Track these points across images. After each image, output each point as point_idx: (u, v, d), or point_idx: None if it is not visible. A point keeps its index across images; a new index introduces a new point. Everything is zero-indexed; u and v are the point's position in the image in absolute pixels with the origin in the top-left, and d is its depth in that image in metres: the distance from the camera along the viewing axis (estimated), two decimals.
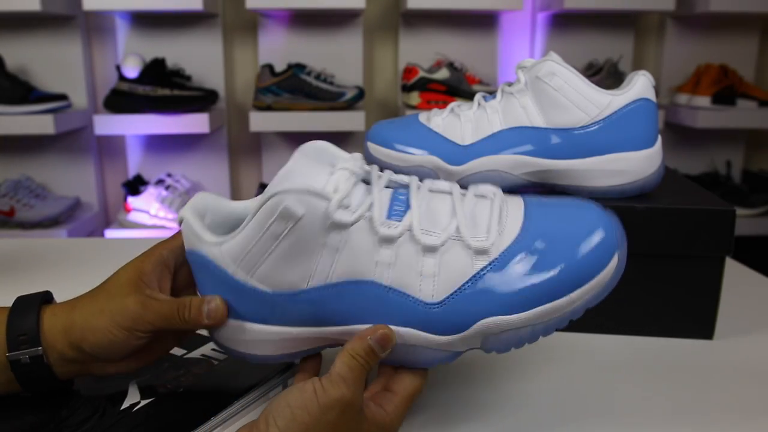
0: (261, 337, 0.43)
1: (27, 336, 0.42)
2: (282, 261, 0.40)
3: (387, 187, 0.42)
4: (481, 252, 0.39)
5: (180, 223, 0.43)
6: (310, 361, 0.45)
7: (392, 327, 0.40)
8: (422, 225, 0.40)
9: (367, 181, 0.42)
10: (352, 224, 0.39)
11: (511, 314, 0.39)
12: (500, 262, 0.39)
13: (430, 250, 0.40)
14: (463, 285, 0.39)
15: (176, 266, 0.46)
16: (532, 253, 0.39)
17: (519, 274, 0.39)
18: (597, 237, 0.40)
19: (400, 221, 0.40)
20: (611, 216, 0.41)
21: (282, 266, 0.40)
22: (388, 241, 0.39)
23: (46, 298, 0.45)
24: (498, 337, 0.40)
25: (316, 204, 0.38)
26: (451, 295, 0.39)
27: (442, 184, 0.43)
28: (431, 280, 0.39)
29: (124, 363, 0.45)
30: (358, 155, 0.42)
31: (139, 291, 0.42)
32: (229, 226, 0.45)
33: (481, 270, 0.39)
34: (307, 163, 0.40)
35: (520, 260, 0.39)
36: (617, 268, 0.40)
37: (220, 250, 0.41)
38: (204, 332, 0.56)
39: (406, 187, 0.43)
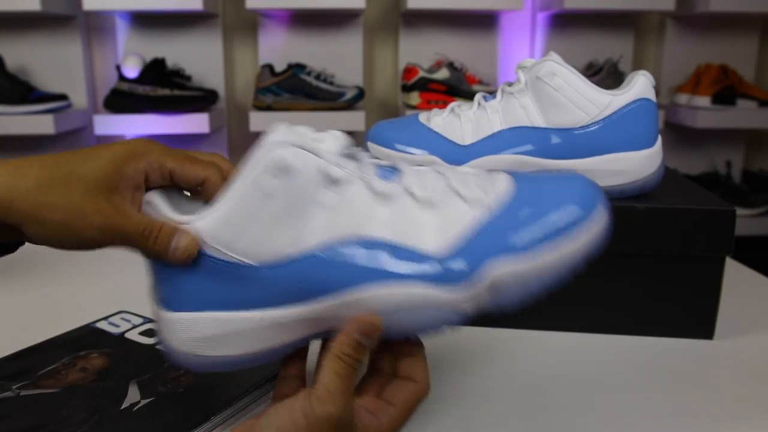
0: (239, 327, 0.37)
1: None
2: (271, 224, 0.36)
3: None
4: (478, 202, 0.38)
5: (141, 208, 0.38)
6: (292, 366, 0.41)
7: (395, 285, 0.36)
8: (417, 183, 0.39)
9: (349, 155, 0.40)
10: (348, 181, 0.37)
11: (519, 255, 0.37)
12: (500, 211, 0.38)
13: (429, 203, 0.38)
14: (467, 234, 0.37)
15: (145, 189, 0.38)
16: (527, 200, 0.38)
17: (520, 217, 0.37)
18: (581, 182, 0.39)
19: (394, 181, 0.38)
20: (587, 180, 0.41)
21: (271, 231, 0.36)
22: (386, 197, 0.37)
23: None
24: (508, 286, 0.37)
25: (310, 158, 0.36)
26: (456, 245, 0.37)
27: (420, 166, 0.42)
28: (433, 231, 0.37)
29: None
30: (336, 132, 0.39)
31: (109, 195, 0.35)
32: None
33: (483, 217, 0.38)
34: (290, 129, 0.38)
35: (518, 206, 0.38)
36: (605, 221, 0.39)
37: (194, 228, 0.36)
38: None
39: (388, 164, 0.41)
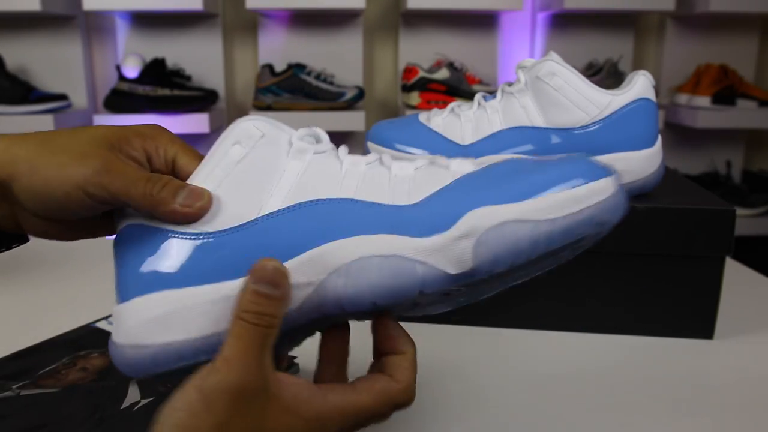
0: (188, 302, 0.33)
1: None
2: (235, 189, 0.34)
3: None
4: (462, 167, 0.35)
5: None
6: (328, 349, 0.36)
7: (360, 236, 0.32)
8: (395, 160, 0.36)
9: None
10: (312, 151, 0.35)
11: (506, 207, 0.32)
12: (486, 170, 0.34)
13: (404, 170, 0.35)
14: (445, 187, 0.33)
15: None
16: (521, 165, 0.34)
17: (506, 167, 0.34)
18: (587, 159, 0.34)
19: (371, 157, 0.36)
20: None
21: (233, 195, 0.34)
22: (355, 163, 0.35)
23: None
24: (491, 238, 0.31)
25: (278, 132, 0.35)
26: (431, 195, 0.33)
27: None
28: (405, 191, 0.34)
29: (49, 226, 0.35)
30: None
31: (111, 149, 0.34)
32: None
33: (465, 175, 0.34)
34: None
35: (510, 167, 0.34)
36: (617, 192, 0.33)
37: None
38: None
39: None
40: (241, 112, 2.06)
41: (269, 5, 1.71)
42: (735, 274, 0.75)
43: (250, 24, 2.01)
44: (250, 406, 0.30)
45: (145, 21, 1.93)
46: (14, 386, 0.47)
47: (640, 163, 0.57)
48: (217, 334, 0.33)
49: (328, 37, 1.98)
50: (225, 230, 0.33)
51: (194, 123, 1.78)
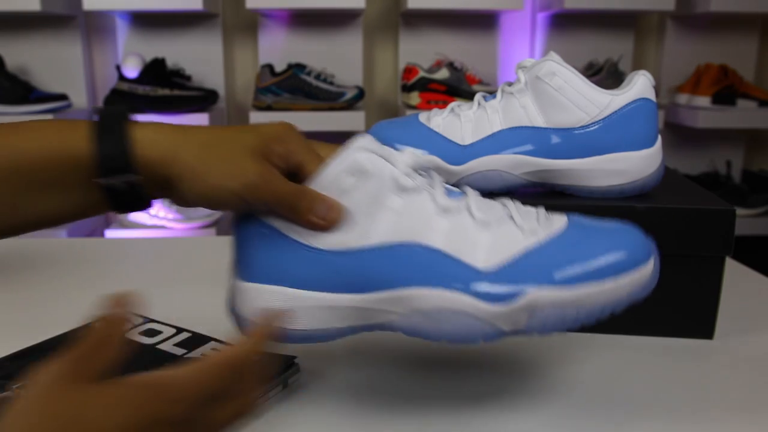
0: (298, 303, 0.41)
1: (118, 162, 0.38)
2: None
3: None
4: (532, 232, 0.41)
5: None
6: None
7: (443, 290, 0.40)
8: (478, 206, 0.42)
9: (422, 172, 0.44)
10: (415, 191, 0.41)
11: (559, 288, 0.40)
12: (550, 243, 0.41)
13: (485, 224, 0.41)
14: (515, 258, 0.40)
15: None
16: (579, 239, 0.41)
17: (568, 254, 0.40)
18: (635, 234, 0.42)
19: (458, 200, 0.42)
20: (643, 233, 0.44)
21: (341, 223, 0.41)
22: (447, 211, 0.41)
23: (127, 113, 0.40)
24: (544, 312, 0.40)
25: (385, 165, 0.41)
26: (503, 265, 0.40)
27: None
28: (485, 250, 0.41)
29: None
30: (417, 150, 0.45)
31: (263, 161, 0.39)
32: None
33: (533, 246, 0.41)
34: (373, 139, 0.43)
35: (568, 243, 0.41)
36: (654, 270, 0.42)
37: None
38: (205, 332, 0.56)
39: (456, 189, 0.45)
40: (241, 112, 2.06)
41: (269, 5, 1.71)
42: (735, 274, 0.75)
43: (250, 24, 2.01)
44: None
45: (145, 21, 1.93)
46: (14, 386, 0.47)
47: (640, 163, 0.57)
48: (319, 330, 0.42)
49: (328, 37, 1.98)
50: (332, 251, 0.41)
51: (194, 123, 1.78)
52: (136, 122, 0.40)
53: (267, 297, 0.42)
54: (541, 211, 0.44)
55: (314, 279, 0.41)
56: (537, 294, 0.40)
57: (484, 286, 0.40)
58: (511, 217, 0.42)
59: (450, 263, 0.40)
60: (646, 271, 0.41)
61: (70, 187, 0.39)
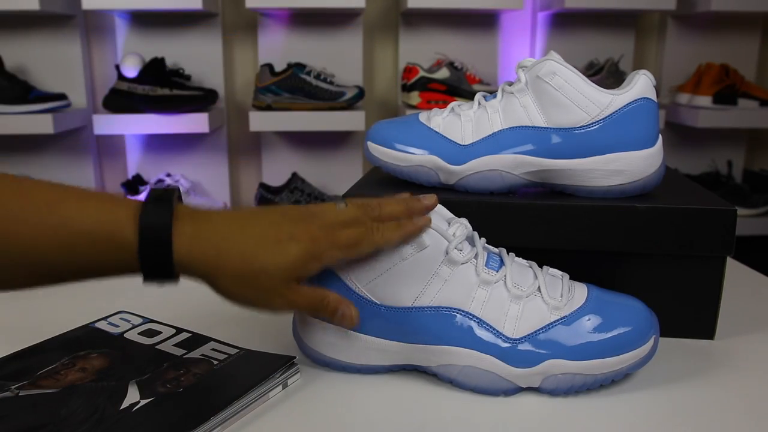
0: (354, 342, 0.51)
1: (161, 272, 0.43)
2: (398, 279, 0.49)
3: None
4: (556, 308, 0.49)
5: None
6: None
7: (475, 350, 0.48)
8: (513, 279, 0.50)
9: (469, 240, 0.51)
10: (462, 264, 0.49)
11: (572, 360, 0.48)
12: (569, 320, 0.49)
13: (517, 298, 0.49)
14: (539, 330, 0.48)
15: None
16: (593, 318, 0.49)
17: (582, 331, 0.48)
18: (643, 315, 0.50)
19: (496, 272, 0.50)
20: (650, 310, 0.52)
21: (396, 283, 0.49)
22: (487, 283, 0.49)
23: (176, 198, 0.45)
24: (556, 377, 0.48)
25: (441, 241, 0.48)
26: (528, 335, 0.48)
27: (521, 260, 0.53)
28: (514, 321, 0.49)
29: None
30: (464, 220, 0.51)
31: (290, 283, 0.45)
32: None
33: (554, 321, 0.49)
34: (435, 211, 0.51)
35: (584, 321, 0.49)
36: (653, 347, 0.50)
37: (349, 267, 0.49)
38: (205, 332, 0.56)
39: (496, 253, 0.52)
40: (241, 112, 2.06)
41: (269, 5, 1.71)
42: (736, 274, 0.75)
43: (250, 23, 2.01)
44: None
45: (144, 20, 1.93)
46: (14, 386, 0.47)
47: (641, 162, 0.57)
48: (368, 366, 0.51)
49: (327, 36, 1.98)
50: (387, 306, 0.49)
51: (194, 123, 1.77)
52: (179, 222, 0.44)
53: (329, 332, 0.51)
54: (566, 280, 0.51)
55: (368, 325, 0.50)
56: (553, 363, 0.48)
57: (510, 352, 0.48)
58: (540, 291, 0.50)
59: (486, 329, 0.48)
60: (646, 348, 0.49)
61: (106, 268, 0.44)
